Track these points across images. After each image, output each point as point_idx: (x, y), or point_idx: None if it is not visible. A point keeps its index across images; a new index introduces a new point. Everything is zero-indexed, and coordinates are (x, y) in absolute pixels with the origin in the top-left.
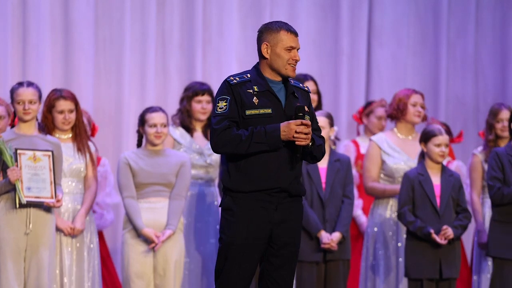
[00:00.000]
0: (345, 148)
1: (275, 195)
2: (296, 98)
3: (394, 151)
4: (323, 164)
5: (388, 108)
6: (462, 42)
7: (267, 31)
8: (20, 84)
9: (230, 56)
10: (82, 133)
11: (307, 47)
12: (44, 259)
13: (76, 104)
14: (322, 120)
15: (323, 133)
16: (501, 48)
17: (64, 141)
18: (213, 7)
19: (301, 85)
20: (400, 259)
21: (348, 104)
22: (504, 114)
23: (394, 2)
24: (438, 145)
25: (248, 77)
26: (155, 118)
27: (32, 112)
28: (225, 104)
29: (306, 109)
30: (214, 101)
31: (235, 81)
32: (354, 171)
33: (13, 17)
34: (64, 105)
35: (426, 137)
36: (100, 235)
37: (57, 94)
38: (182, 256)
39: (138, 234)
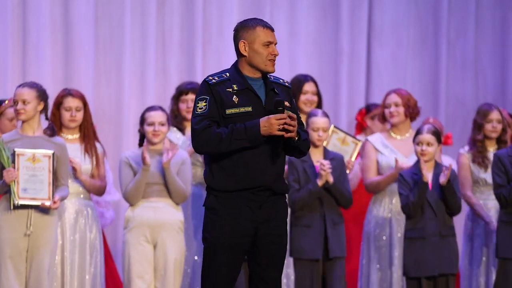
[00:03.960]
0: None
1: (259, 194)
2: (276, 94)
3: (388, 150)
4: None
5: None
6: (462, 42)
7: (243, 28)
8: (20, 85)
9: (230, 56)
10: (90, 134)
11: (307, 47)
12: (45, 260)
13: (85, 104)
14: (325, 121)
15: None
16: (501, 48)
17: (71, 141)
18: (213, 7)
19: (281, 80)
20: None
21: (348, 104)
22: (495, 115)
23: (394, 2)
24: (419, 143)
25: (227, 76)
26: (153, 116)
27: (25, 113)
28: (205, 104)
29: (287, 104)
30: (194, 102)
31: (214, 80)
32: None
33: (13, 17)
34: (71, 102)
35: (414, 136)
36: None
37: (65, 92)
38: (182, 256)
39: (146, 167)
